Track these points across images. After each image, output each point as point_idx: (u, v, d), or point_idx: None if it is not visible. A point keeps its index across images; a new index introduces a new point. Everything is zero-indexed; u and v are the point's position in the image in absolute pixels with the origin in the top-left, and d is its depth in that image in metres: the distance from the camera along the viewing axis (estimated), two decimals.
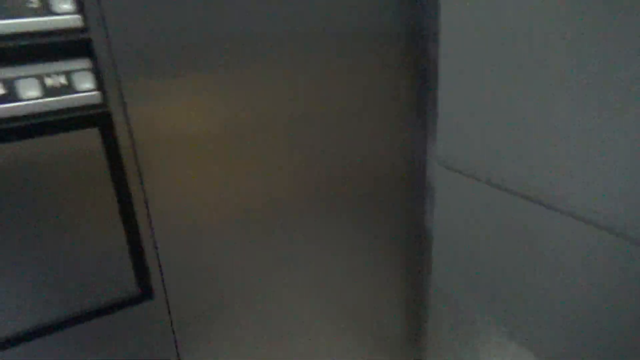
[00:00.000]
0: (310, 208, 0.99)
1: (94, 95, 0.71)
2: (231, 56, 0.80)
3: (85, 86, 0.71)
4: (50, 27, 0.66)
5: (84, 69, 0.70)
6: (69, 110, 0.70)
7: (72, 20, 0.67)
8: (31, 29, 0.64)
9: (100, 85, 0.72)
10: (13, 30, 0.63)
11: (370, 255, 1.12)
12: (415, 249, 1.18)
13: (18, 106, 0.66)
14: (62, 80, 0.69)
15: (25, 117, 0.67)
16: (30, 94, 0.67)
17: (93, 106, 0.72)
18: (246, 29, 0.80)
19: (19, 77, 0.66)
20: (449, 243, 1.08)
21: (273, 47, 0.83)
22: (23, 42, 0.64)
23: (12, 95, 0.66)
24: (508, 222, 0.90)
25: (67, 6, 0.66)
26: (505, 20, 0.80)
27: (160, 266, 0.85)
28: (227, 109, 0.83)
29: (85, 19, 0.67)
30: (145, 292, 0.86)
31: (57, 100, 0.69)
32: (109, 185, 0.77)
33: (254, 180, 0.90)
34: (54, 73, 0.68)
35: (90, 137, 0.73)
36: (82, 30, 0.68)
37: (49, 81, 0.68)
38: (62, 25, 0.66)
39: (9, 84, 0.65)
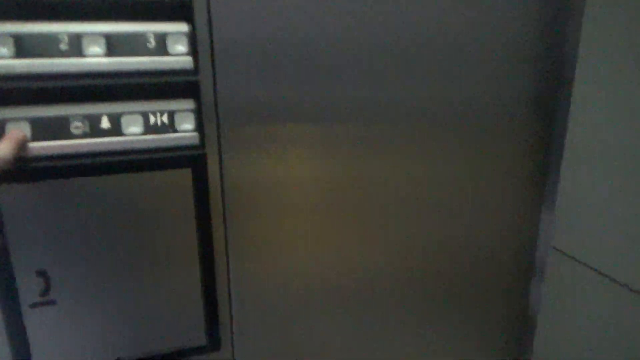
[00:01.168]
0: (407, 288, 0.90)
1: (193, 137, 0.70)
2: (337, 112, 0.76)
3: (186, 127, 0.70)
4: (163, 67, 0.66)
5: (187, 110, 0.69)
6: (166, 149, 0.69)
7: (184, 62, 0.67)
8: (144, 68, 0.65)
9: (199, 127, 0.70)
10: (128, 68, 0.64)
11: (469, 341, 0.99)
12: (516, 336, 1.03)
13: (119, 141, 0.66)
14: (165, 119, 0.69)
15: (124, 152, 0.67)
16: (133, 130, 0.67)
17: (190, 147, 0.71)
18: (357, 90, 0.75)
19: (125, 113, 0.66)
20: (555, 331, 0.93)
21: (386, 110, 0.78)
22: (134, 80, 0.65)
23: (115, 130, 0.66)
24: (621, 319, 0.76)
25: (182, 48, 0.66)
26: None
27: (231, 318, 0.81)
28: (325, 165, 0.78)
29: (196, 62, 0.67)
30: (213, 343, 0.81)
31: (157, 139, 0.68)
32: (192, 227, 0.74)
33: (346, 248, 0.83)
34: (158, 111, 0.68)
35: (182, 177, 0.72)
36: (192, 72, 0.68)
37: (152, 119, 0.68)
38: (174, 67, 0.67)
39: (115, 119, 0.66)
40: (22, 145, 0.60)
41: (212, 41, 0.67)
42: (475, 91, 0.82)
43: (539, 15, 0.82)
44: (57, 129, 0.63)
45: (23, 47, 0.60)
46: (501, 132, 0.87)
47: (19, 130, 0.61)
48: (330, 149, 0.78)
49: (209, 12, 0.66)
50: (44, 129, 0.62)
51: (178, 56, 0.67)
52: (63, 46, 0.61)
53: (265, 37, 0.69)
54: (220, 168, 0.73)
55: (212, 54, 0.67)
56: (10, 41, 0.59)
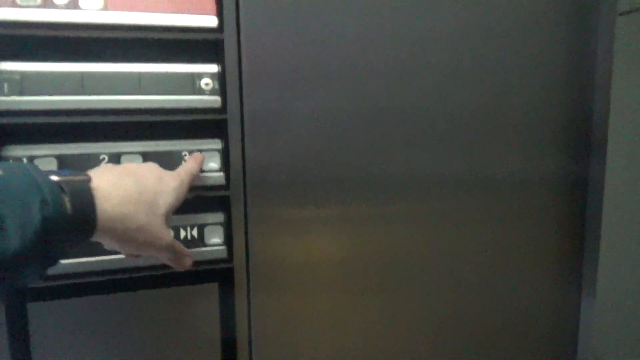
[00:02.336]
0: None
1: (221, 250, 0.70)
2: (361, 194, 0.75)
3: (214, 240, 0.70)
4: (197, 182, 0.67)
5: (216, 224, 0.70)
6: (195, 262, 0.69)
7: (216, 178, 0.68)
8: None
9: (227, 240, 0.70)
10: None
11: None
12: None
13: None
14: (195, 232, 0.69)
15: (152, 267, 0.67)
16: None
17: (218, 260, 0.70)
18: (383, 171, 0.75)
19: None
20: None
21: (412, 190, 0.77)
22: None
23: None
24: None
25: (214, 164, 0.68)
26: None
27: None
28: (347, 244, 0.76)
29: (227, 178, 0.69)
30: None
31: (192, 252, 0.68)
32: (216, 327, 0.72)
33: (368, 328, 0.79)
34: (189, 225, 0.69)
35: (208, 291, 0.71)
36: (223, 187, 0.69)
37: (182, 233, 0.68)
38: (205, 183, 0.68)
39: None
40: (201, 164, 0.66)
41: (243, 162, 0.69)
42: (506, 167, 0.81)
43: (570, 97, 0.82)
44: None
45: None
46: (532, 209, 0.83)
47: (198, 154, 0.67)
48: (352, 227, 0.76)
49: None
50: None
51: (211, 172, 0.68)
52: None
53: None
54: (248, 277, 0.72)
55: (245, 180, 0.69)
56: (54, 162, 0.62)
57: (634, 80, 0.74)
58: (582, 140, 0.84)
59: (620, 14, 0.77)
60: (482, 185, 0.80)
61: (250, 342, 0.73)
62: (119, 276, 0.66)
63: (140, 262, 0.66)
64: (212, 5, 0.65)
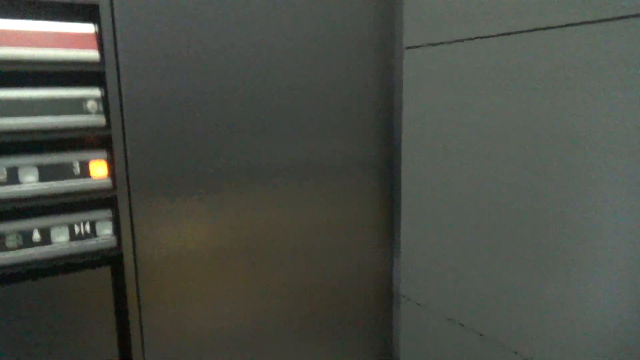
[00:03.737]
0: (291, 322, 1.09)
1: (112, 239, 0.86)
2: (231, 183, 0.97)
3: (105, 232, 0.86)
4: (86, 188, 0.82)
5: (106, 219, 0.86)
6: (89, 253, 0.84)
7: (104, 182, 0.84)
8: (72, 189, 0.81)
9: (117, 231, 0.87)
10: (57, 190, 0.80)
11: None
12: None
13: (49, 250, 0.80)
14: (87, 228, 0.84)
15: (53, 259, 0.81)
16: (61, 239, 0.81)
17: (109, 249, 0.86)
18: (249, 161, 0.97)
19: (54, 225, 0.81)
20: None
21: (269, 176, 1.01)
22: (64, 199, 0.81)
23: (45, 240, 0.80)
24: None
25: (102, 170, 0.84)
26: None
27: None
28: (222, 229, 0.98)
29: (113, 181, 0.85)
30: None
31: (81, 244, 0.83)
32: (110, 318, 0.88)
33: (239, 296, 1.02)
34: (82, 222, 0.84)
35: (102, 274, 0.87)
36: (110, 190, 0.85)
37: (76, 229, 0.83)
38: (95, 187, 0.83)
39: (45, 231, 0.80)
40: None
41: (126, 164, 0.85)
42: (333, 155, 1.09)
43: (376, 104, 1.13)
44: None
45: None
46: (355, 190, 1.13)
47: None
48: (223, 213, 0.97)
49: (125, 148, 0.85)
50: None
51: (99, 178, 0.84)
52: (1, 177, 0.76)
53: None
54: (135, 261, 0.89)
55: (128, 176, 0.85)
56: None
57: (420, 92, 1.05)
58: (386, 133, 1.15)
59: (407, 48, 1.09)
60: (316, 171, 1.07)
61: (140, 315, 0.91)
62: (20, 269, 0.78)
63: (40, 255, 0.80)
64: (93, 42, 0.80)
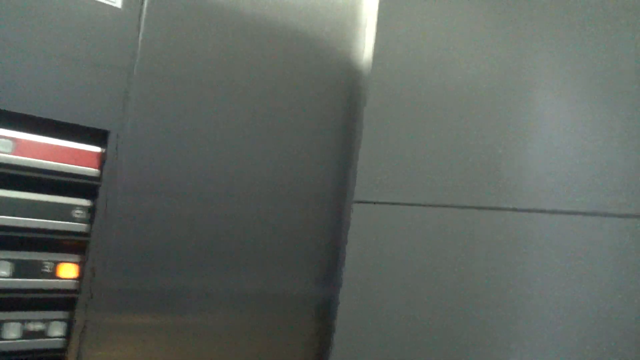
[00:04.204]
0: None
1: (61, 342, 0.89)
2: (177, 309, 1.03)
3: (57, 333, 0.89)
4: (51, 287, 0.88)
5: (61, 320, 0.90)
6: (36, 351, 0.86)
7: (69, 284, 0.90)
8: (36, 287, 0.86)
9: (67, 334, 0.90)
10: (24, 286, 0.85)
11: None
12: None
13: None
14: (41, 326, 0.87)
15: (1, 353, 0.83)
16: (12, 335, 0.84)
17: (56, 350, 0.89)
18: (202, 288, 1.05)
19: (7, 321, 0.84)
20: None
21: (213, 311, 1.08)
22: (28, 296, 0.85)
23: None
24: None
25: (70, 272, 0.90)
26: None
27: None
28: (166, 351, 1.01)
29: (79, 284, 0.91)
30: None
31: (29, 343, 0.86)
32: None
33: None
34: (37, 321, 0.87)
35: None
36: (74, 292, 0.90)
37: (30, 327, 0.86)
38: (59, 287, 0.89)
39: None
40: None
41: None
42: (274, 290, 1.18)
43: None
44: None
45: None
46: (290, 328, 1.22)
47: None
48: (170, 336, 1.02)
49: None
50: None
51: (66, 280, 0.90)
52: None
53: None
54: None
55: (94, 280, 0.92)
56: None
57: (364, 243, 1.22)
58: (327, 270, 1.29)
59: (355, 202, 1.28)
60: (255, 302, 1.17)
61: None
62: None
63: None
64: (96, 161, 0.92)
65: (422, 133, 1.13)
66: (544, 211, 0.91)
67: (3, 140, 0.82)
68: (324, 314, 1.28)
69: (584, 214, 0.86)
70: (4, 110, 0.83)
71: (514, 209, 0.95)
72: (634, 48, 0.81)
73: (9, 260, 0.84)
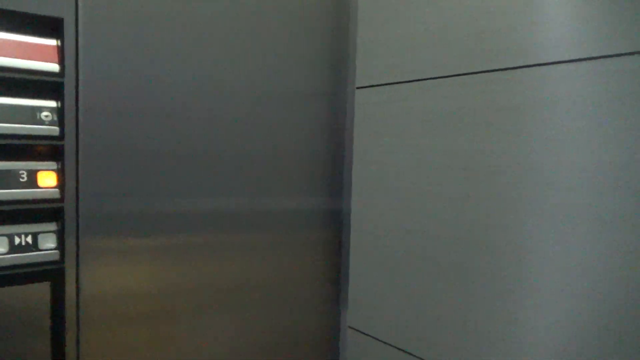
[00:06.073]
0: None
1: (54, 253, 0.84)
2: (179, 229, 0.97)
3: (48, 245, 0.83)
4: (32, 197, 0.81)
5: (50, 231, 0.83)
6: (29, 265, 0.81)
7: (52, 193, 0.83)
8: (16, 198, 0.79)
9: (60, 245, 0.84)
10: (3, 197, 0.78)
11: None
12: None
13: None
14: (29, 239, 0.82)
15: None
16: (0, 250, 0.78)
17: (51, 262, 0.83)
18: (196, 205, 0.98)
19: None
20: None
21: (211, 225, 1.02)
22: (7, 208, 0.79)
23: None
24: None
25: (50, 181, 0.83)
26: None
27: None
28: (167, 267, 0.96)
29: (62, 193, 0.84)
30: None
31: (20, 257, 0.80)
32: (46, 337, 0.84)
33: (184, 346, 0.99)
34: (23, 233, 0.81)
35: (41, 290, 0.83)
36: (58, 200, 0.83)
37: (17, 240, 0.80)
38: (41, 196, 0.82)
39: None
40: None
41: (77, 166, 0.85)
42: (283, 204, 1.11)
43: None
44: None
45: None
46: (304, 238, 1.16)
47: None
48: (167, 256, 0.96)
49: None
50: None
51: (46, 188, 0.83)
52: None
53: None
54: (77, 279, 0.86)
55: (77, 186, 0.85)
56: None
57: (370, 137, 1.12)
58: (336, 184, 1.21)
59: (358, 88, 1.17)
60: (268, 220, 1.09)
61: (78, 336, 0.87)
62: None
63: None
64: (55, 55, 0.82)
65: (416, 7, 1.00)
66: (556, 62, 0.79)
67: None
68: (335, 221, 1.21)
69: (590, 59, 0.75)
70: None
71: (526, 66, 0.84)
72: None
73: None
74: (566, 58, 0.78)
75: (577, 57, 0.77)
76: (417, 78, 1.02)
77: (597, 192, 0.74)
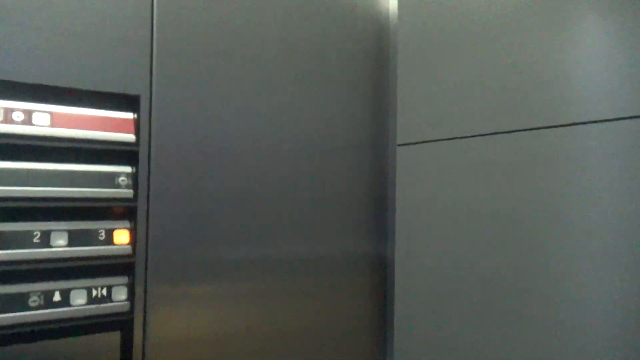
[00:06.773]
0: None
1: (125, 304, 0.92)
2: (239, 275, 1.04)
3: (120, 297, 0.92)
4: (109, 253, 0.90)
5: (122, 284, 0.92)
6: (103, 315, 0.89)
7: (125, 249, 0.92)
8: (96, 254, 0.89)
9: (131, 296, 0.93)
10: (83, 254, 0.88)
11: None
12: None
13: (67, 311, 0.86)
14: (104, 292, 0.90)
15: (70, 319, 0.86)
16: (79, 302, 0.87)
17: (122, 313, 0.92)
18: (253, 254, 1.05)
19: (73, 288, 0.87)
20: None
21: (268, 271, 1.08)
22: (88, 263, 0.88)
23: (64, 302, 0.86)
24: None
25: (124, 238, 0.92)
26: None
27: None
28: (228, 316, 1.03)
29: (134, 249, 0.93)
30: None
31: (97, 308, 0.89)
32: None
33: None
34: (100, 286, 0.90)
35: (111, 339, 0.91)
36: (130, 256, 0.93)
37: (94, 292, 0.89)
38: (116, 253, 0.91)
39: (65, 293, 0.86)
40: None
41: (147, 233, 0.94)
42: (329, 251, 1.17)
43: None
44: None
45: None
46: (349, 285, 1.20)
47: None
48: (227, 302, 1.03)
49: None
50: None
51: (121, 245, 0.92)
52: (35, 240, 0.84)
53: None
54: (144, 328, 0.94)
55: (147, 242, 0.94)
56: None
57: (412, 187, 1.18)
58: (380, 230, 1.26)
59: (399, 145, 1.23)
60: (313, 266, 1.15)
61: None
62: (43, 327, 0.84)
63: (58, 316, 0.85)
64: (132, 127, 0.93)
65: (455, 66, 1.07)
66: (586, 122, 0.83)
67: (40, 114, 0.84)
68: (380, 267, 1.25)
69: (622, 119, 0.79)
70: (42, 84, 0.85)
71: (560, 125, 0.88)
72: None
73: (65, 230, 0.87)
74: (602, 117, 0.83)
75: (613, 117, 0.81)
76: (454, 136, 1.08)
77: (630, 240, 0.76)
